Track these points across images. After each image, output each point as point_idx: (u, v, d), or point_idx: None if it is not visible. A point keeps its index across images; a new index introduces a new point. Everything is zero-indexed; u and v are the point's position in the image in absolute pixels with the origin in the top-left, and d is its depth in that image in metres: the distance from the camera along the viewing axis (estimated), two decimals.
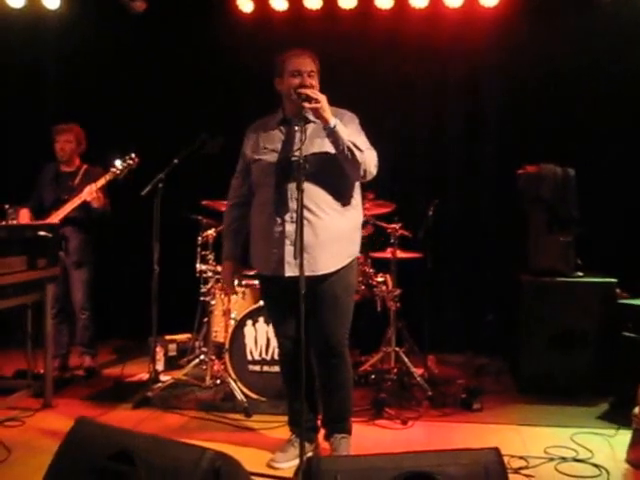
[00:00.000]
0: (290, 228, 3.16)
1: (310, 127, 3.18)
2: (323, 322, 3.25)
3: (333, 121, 3.08)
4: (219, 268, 4.85)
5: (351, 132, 3.19)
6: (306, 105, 3.02)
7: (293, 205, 3.15)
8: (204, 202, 4.80)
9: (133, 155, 4.83)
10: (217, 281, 4.80)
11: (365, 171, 3.16)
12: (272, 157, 3.24)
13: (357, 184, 3.36)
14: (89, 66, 6.19)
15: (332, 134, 3.09)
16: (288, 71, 3.20)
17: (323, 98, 3.07)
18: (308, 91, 3.07)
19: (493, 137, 5.87)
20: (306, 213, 3.11)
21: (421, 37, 5.83)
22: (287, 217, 3.17)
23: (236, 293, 4.63)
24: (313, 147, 3.17)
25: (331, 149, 3.15)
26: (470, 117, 5.92)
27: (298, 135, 3.12)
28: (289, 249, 3.16)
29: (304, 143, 2.96)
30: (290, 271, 3.17)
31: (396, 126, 5.82)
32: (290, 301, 3.05)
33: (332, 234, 3.22)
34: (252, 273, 4.76)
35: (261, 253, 3.34)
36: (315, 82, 3.21)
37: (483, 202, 5.90)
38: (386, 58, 5.90)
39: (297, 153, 2.99)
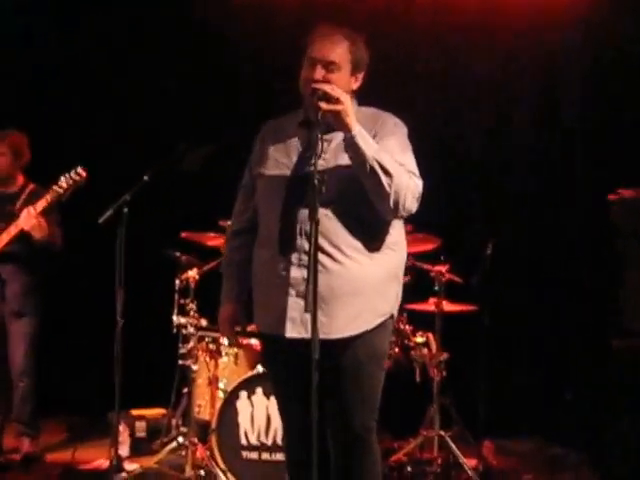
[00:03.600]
0: (297, 274, 3.00)
1: (339, 136, 3.02)
2: (341, 400, 3.09)
3: (356, 130, 2.92)
4: (203, 322, 4.72)
5: (392, 147, 3.04)
6: (323, 106, 2.86)
7: (302, 242, 2.99)
8: (184, 234, 4.69)
9: (80, 169, 4.65)
10: (200, 339, 4.65)
11: (397, 204, 2.97)
12: (282, 173, 3.10)
13: None
14: (37, 56, 6.06)
15: (351, 146, 2.92)
16: (306, 57, 3.08)
17: (346, 98, 2.90)
18: (326, 87, 2.91)
19: (574, 151, 5.64)
20: (320, 256, 2.92)
21: (475, 19, 5.59)
22: (294, 258, 3.02)
23: (239, 346, 4.47)
24: (337, 162, 3.02)
25: None
26: (542, 124, 5.72)
27: (320, 145, 2.97)
28: (293, 301, 3.00)
29: (320, 156, 2.82)
30: (293, 331, 3.01)
31: (441, 133, 5.70)
32: (294, 370, 2.94)
33: (356, 286, 3.04)
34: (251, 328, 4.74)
35: (259, 303, 3.20)
36: (336, 77, 3.03)
37: (559, 239, 5.64)
38: (427, 47, 5.71)
39: (312, 170, 2.83)
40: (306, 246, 2.89)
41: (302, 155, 3.06)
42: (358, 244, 3.04)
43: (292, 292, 3.01)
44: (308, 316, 2.77)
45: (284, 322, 3.02)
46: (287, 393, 3.21)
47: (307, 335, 2.81)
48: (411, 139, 3.13)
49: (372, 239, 3.08)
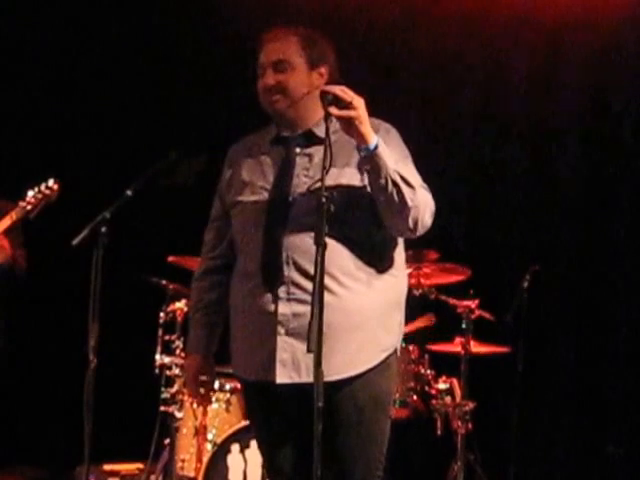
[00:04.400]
0: (285, 309, 3.01)
1: (320, 150, 3.00)
2: (340, 451, 3.07)
3: (374, 140, 2.90)
4: None
5: (393, 156, 3.02)
6: (333, 112, 2.82)
7: (290, 273, 3.00)
8: (171, 258, 4.69)
9: (51, 182, 4.61)
10: None
11: (416, 222, 2.99)
12: (260, 197, 3.11)
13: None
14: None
15: (371, 160, 2.90)
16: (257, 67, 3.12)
17: (360, 102, 2.85)
18: (336, 89, 2.85)
19: (625, 168, 5.52)
20: (312, 287, 2.87)
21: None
22: (281, 291, 3.02)
23: (206, 403, 4.43)
24: (325, 179, 2.94)
25: (356, 181, 2.99)
26: (591, 140, 5.60)
27: (300, 161, 3.07)
28: (283, 341, 3.00)
29: (328, 171, 2.80)
30: (284, 376, 3.00)
31: (469, 140, 5.71)
32: (284, 421, 2.99)
33: (354, 320, 3.05)
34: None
35: (240, 347, 3.18)
36: (290, 76, 3.09)
37: (614, 269, 5.54)
38: (460, 38, 5.49)
39: (314, 185, 2.91)
40: (295, 277, 2.96)
41: (279, 175, 3.11)
42: (355, 271, 3.07)
43: (281, 330, 3.01)
44: (301, 357, 2.83)
45: (273, 366, 3.02)
46: (277, 447, 3.19)
47: (300, 379, 2.87)
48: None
49: (371, 264, 3.09)
